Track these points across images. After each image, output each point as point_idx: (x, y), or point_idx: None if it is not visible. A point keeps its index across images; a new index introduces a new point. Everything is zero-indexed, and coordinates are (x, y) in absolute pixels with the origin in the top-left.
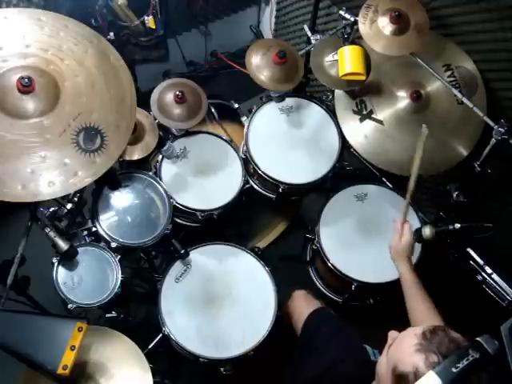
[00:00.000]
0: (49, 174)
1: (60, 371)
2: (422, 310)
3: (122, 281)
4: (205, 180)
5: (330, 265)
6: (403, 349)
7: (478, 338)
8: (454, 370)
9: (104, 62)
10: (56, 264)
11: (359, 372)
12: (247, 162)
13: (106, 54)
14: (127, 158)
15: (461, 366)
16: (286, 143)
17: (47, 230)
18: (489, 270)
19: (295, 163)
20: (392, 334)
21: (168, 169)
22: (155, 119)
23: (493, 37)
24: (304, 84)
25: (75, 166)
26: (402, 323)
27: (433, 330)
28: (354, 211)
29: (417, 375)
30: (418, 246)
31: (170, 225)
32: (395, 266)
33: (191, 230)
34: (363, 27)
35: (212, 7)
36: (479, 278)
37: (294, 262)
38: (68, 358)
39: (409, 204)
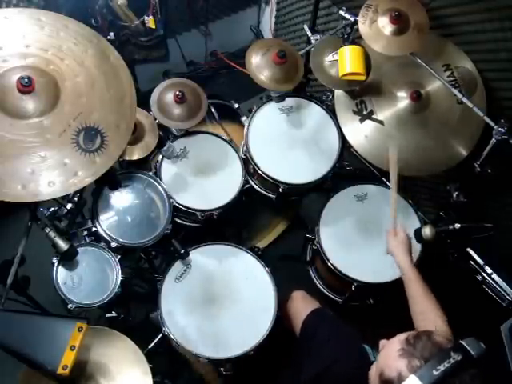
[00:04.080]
0: (49, 174)
1: (60, 371)
2: (424, 306)
3: (121, 281)
4: (205, 180)
5: (330, 265)
6: (388, 355)
7: (461, 341)
8: (434, 372)
9: (104, 62)
10: (56, 264)
11: (359, 372)
12: (247, 162)
13: (106, 54)
14: (127, 158)
15: (442, 368)
16: (286, 143)
17: (47, 229)
18: (489, 270)
19: (295, 163)
20: (382, 342)
21: (168, 169)
22: (155, 119)
23: (492, 37)
24: (304, 84)
25: (75, 166)
26: (402, 323)
27: (416, 335)
28: (353, 211)
29: (400, 380)
30: (418, 246)
31: (170, 225)
32: (396, 263)
33: (191, 230)
34: (363, 27)
35: (212, 7)
36: (479, 278)
37: (293, 262)
38: (68, 358)
39: (395, 215)
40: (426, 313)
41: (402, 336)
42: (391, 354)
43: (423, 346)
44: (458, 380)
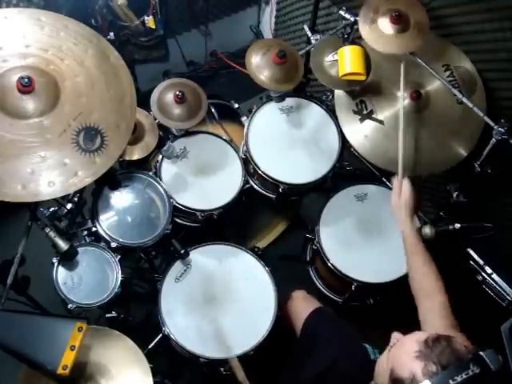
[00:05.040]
0: (49, 174)
1: (60, 371)
2: (425, 279)
3: (121, 281)
4: (205, 180)
5: (330, 265)
6: (403, 353)
7: (481, 353)
8: (451, 382)
9: (104, 62)
10: (56, 264)
11: (359, 371)
12: (247, 162)
13: (106, 54)
14: (127, 158)
15: (459, 379)
16: (286, 143)
17: (47, 229)
18: (489, 270)
19: (295, 163)
20: (395, 335)
21: (168, 169)
22: (155, 119)
23: (492, 37)
24: (304, 84)
25: (75, 166)
26: (402, 323)
27: (436, 339)
28: (354, 211)
29: (413, 382)
30: None
31: (170, 225)
32: (398, 225)
33: (191, 230)
34: (363, 27)
35: (212, 7)
36: (479, 278)
37: (293, 262)
38: (68, 358)
39: (403, 161)
40: (426, 291)
41: (420, 336)
42: (407, 354)
43: (441, 352)
44: None
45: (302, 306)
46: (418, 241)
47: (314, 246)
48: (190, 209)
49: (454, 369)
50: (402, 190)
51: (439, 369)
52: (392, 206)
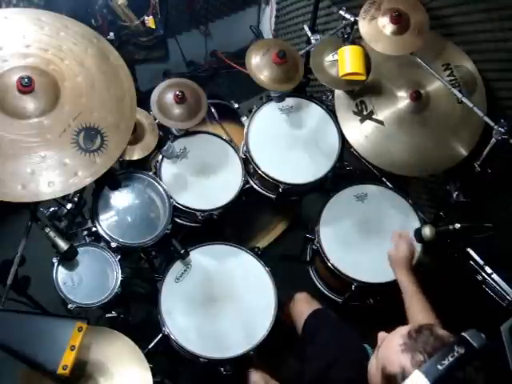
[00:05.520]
0: (49, 174)
1: (60, 371)
2: (422, 320)
3: (121, 281)
4: (205, 180)
5: (329, 265)
6: (390, 349)
7: (463, 333)
8: (439, 367)
9: (104, 62)
10: (56, 264)
11: (359, 372)
12: (247, 162)
13: (105, 54)
14: (127, 157)
15: (446, 362)
16: (286, 143)
17: (47, 229)
18: (489, 270)
19: (295, 163)
20: (381, 335)
21: (168, 169)
22: (155, 119)
23: (492, 37)
24: (304, 84)
25: (75, 166)
26: (402, 323)
27: (418, 329)
28: (354, 211)
29: (404, 375)
30: (417, 246)
31: (170, 225)
32: (394, 274)
33: (191, 230)
34: (363, 26)
35: (212, 7)
36: (479, 278)
37: (293, 262)
38: (68, 358)
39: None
40: None
41: (403, 330)
42: (393, 349)
43: (425, 341)
44: (462, 373)
45: (304, 307)
46: (415, 288)
47: (313, 246)
48: (190, 209)
49: (440, 354)
50: (399, 243)
51: (426, 357)
52: (388, 256)
